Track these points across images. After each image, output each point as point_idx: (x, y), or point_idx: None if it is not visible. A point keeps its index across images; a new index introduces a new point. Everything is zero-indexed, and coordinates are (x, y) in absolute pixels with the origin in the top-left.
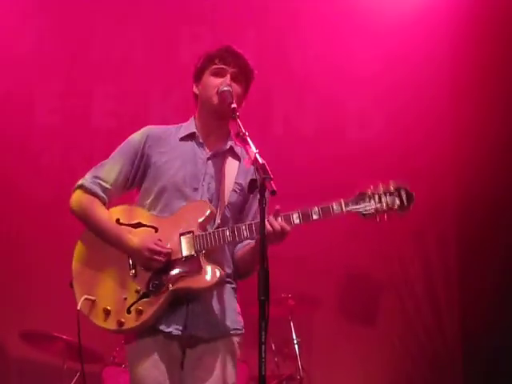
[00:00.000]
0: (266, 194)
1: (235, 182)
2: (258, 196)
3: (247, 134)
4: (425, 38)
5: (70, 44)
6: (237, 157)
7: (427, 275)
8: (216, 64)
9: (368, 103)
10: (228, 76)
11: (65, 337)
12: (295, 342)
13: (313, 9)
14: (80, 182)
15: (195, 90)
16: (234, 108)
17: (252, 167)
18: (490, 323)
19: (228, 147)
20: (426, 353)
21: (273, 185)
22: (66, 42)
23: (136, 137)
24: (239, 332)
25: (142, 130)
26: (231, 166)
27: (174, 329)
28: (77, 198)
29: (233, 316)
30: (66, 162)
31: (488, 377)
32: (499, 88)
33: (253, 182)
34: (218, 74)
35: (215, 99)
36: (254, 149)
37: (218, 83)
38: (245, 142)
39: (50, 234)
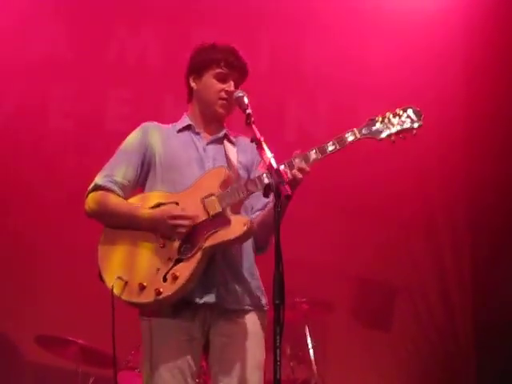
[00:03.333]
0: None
1: (239, 161)
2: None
3: (262, 139)
4: (439, 44)
5: (83, 48)
6: (232, 142)
7: (441, 279)
8: (221, 68)
9: (381, 109)
10: (231, 83)
11: (79, 341)
12: (310, 346)
13: (326, 13)
14: (92, 184)
15: (192, 84)
16: (250, 114)
17: (249, 146)
18: (503, 326)
19: (223, 134)
20: (439, 356)
21: (288, 189)
22: (79, 46)
23: (137, 132)
24: (265, 308)
25: (141, 125)
26: (229, 148)
27: (208, 298)
28: (91, 197)
29: (261, 290)
30: (79, 166)
31: (502, 380)
32: None
33: (267, 186)
34: (222, 78)
35: (219, 106)
36: (268, 154)
37: (221, 88)
38: (260, 148)
39: (65, 238)
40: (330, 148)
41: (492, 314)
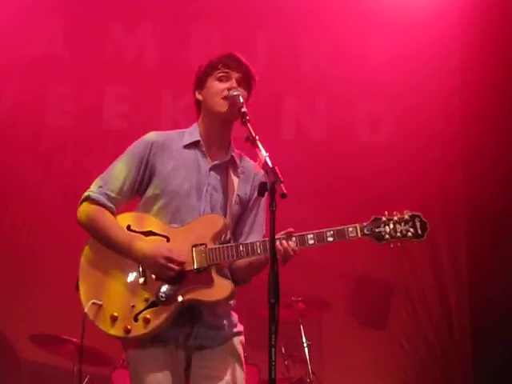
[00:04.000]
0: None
1: (237, 194)
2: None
3: (257, 137)
4: (436, 42)
5: (81, 46)
6: (236, 168)
7: (437, 277)
8: (220, 70)
9: (378, 107)
10: (233, 80)
11: (75, 339)
12: (305, 345)
13: (323, 12)
14: (86, 193)
15: (198, 96)
16: (245, 112)
17: (252, 178)
18: (500, 326)
19: (229, 158)
20: (436, 355)
21: (283, 188)
22: (77, 44)
23: (140, 145)
24: (240, 333)
25: (145, 137)
26: (232, 177)
27: (181, 338)
28: (83, 209)
29: (232, 319)
30: (77, 164)
31: (498, 379)
32: (509, 88)
33: (263, 185)
34: (223, 79)
35: (223, 106)
36: (264, 152)
37: (223, 87)
38: (255, 146)
39: (61, 237)
40: (330, 239)
41: (488, 311)
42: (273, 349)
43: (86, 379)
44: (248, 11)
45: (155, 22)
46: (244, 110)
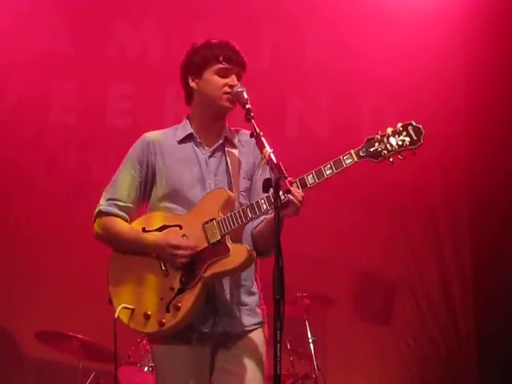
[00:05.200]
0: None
1: (243, 170)
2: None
3: (262, 134)
4: (440, 39)
5: (84, 43)
6: (233, 145)
7: (442, 275)
8: (221, 63)
9: (382, 103)
10: (234, 77)
11: (80, 336)
12: (310, 341)
13: (327, 8)
14: (96, 209)
15: (192, 84)
16: (249, 109)
17: (252, 147)
18: (504, 323)
19: (223, 139)
20: (440, 352)
21: (288, 184)
22: (80, 41)
23: (137, 148)
24: (262, 323)
25: (140, 139)
26: (232, 155)
27: (207, 327)
28: (98, 223)
29: (255, 309)
30: (81, 161)
31: (503, 377)
32: None
33: (267, 181)
34: (224, 74)
35: (225, 100)
36: (268, 148)
37: (224, 83)
38: (259, 142)
39: (66, 234)
40: (328, 172)
41: (493, 310)
42: (278, 345)
43: (92, 376)
44: (251, 8)
45: (159, 18)
46: (248, 106)
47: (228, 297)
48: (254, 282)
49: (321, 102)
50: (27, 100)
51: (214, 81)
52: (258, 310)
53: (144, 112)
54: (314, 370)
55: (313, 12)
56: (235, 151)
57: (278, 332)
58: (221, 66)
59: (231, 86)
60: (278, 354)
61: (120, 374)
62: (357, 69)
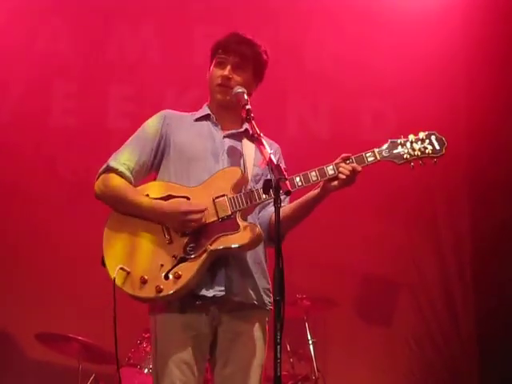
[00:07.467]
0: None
1: (254, 159)
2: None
3: (262, 134)
4: (441, 41)
5: (84, 45)
6: (252, 140)
7: (442, 275)
8: (219, 54)
9: (383, 105)
10: (228, 67)
11: (80, 338)
12: (310, 342)
13: (327, 9)
14: (104, 165)
15: (208, 75)
16: (249, 110)
17: (269, 144)
18: (506, 325)
19: (243, 129)
20: (441, 354)
21: (288, 185)
22: (80, 42)
23: (153, 119)
24: (269, 307)
25: (158, 113)
26: (248, 145)
27: (217, 291)
28: (103, 178)
29: (266, 291)
30: (81, 163)
31: (504, 379)
32: None
33: (267, 182)
34: (220, 64)
35: (216, 92)
36: (268, 149)
37: (218, 74)
38: (259, 143)
39: (66, 236)
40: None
41: (494, 312)
42: (278, 346)
43: (92, 378)
44: (252, 9)
45: (159, 20)
46: (248, 107)
47: (237, 267)
48: (264, 264)
49: (321, 102)
50: (28, 102)
51: (212, 72)
52: (264, 291)
53: (145, 114)
54: (313, 371)
55: (314, 13)
56: (252, 145)
57: (278, 333)
58: (218, 56)
59: (224, 77)
60: (278, 356)
61: (120, 376)
62: (358, 70)
